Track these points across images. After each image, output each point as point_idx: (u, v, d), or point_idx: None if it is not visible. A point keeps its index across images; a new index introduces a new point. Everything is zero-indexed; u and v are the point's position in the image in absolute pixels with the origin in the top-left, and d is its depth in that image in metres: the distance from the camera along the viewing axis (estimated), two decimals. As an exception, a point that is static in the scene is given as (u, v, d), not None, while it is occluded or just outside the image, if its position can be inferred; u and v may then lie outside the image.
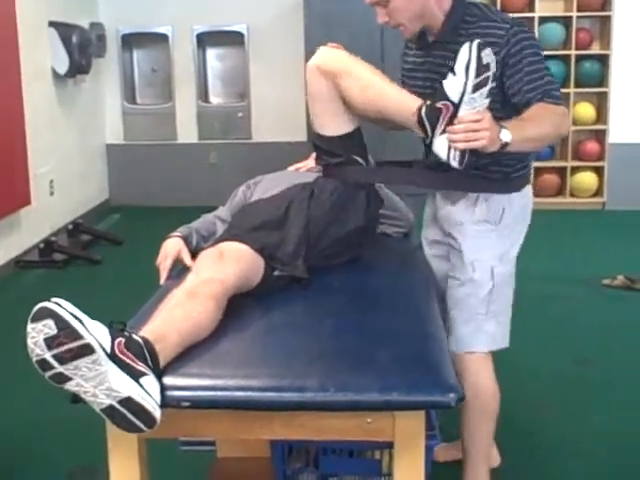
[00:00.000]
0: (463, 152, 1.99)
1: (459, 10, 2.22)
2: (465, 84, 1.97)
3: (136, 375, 1.57)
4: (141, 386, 1.56)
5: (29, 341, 1.53)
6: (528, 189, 2.41)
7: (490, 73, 1.99)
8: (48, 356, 1.52)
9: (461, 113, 1.98)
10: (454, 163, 2.01)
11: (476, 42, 1.98)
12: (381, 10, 2.23)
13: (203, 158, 7.45)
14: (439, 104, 2.01)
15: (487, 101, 2.00)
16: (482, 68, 1.97)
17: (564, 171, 7.08)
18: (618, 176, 6.93)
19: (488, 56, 1.98)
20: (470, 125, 1.93)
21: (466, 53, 1.97)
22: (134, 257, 5.49)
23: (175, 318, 1.74)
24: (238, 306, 1.94)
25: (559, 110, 2.12)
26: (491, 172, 2.28)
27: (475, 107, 1.98)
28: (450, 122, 1.99)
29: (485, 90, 1.99)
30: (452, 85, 1.99)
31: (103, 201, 7.42)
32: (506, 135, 1.96)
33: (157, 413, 1.56)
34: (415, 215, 2.79)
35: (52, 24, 6.09)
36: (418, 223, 2.80)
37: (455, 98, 1.99)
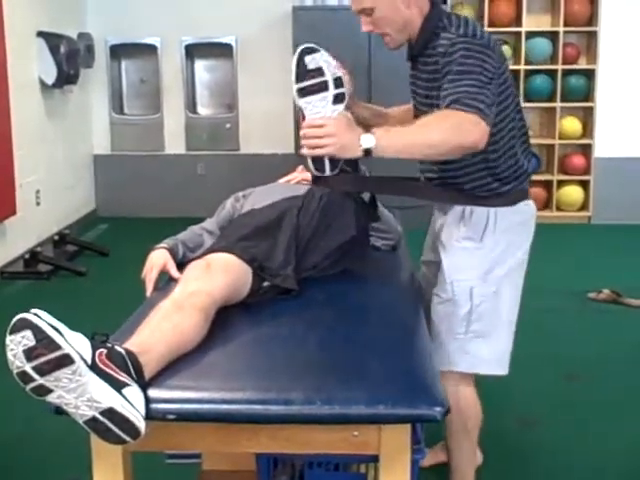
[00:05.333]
0: (319, 159, 1.93)
1: (432, 22, 2.17)
2: (294, 89, 1.93)
3: (118, 386, 1.55)
4: (124, 397, 1.54)
5: (9, 353, 1.52)
6: (523, 206, 2.34)
7: (326, 78, 1.93)
8: (28, 368, 1.51)
9: (307, 118, 1.93)
10: (312, 169, 1.96)
11: (301, 47, 1.95)
12: (365, 19, 2.19)
13: (191, 169, 7.44)
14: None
15: (339, 107, 1.93)
16: (309, 72, 1.92)
17: (550, 185, 7.12)
18: (604, 190, 6.98)
19: (316, 60, 1.92)
20: (309, 131, 1.88)
21: (294, 58, 1.94)
22: (120, 268, 5.46)
23: (161, 330, 1.73)
24: (225, 318, 1.94)
25: (462, 117, 1.92)
26: (470, 192, 2.24)
27: (319, 112, 1.92)
28: None
29: (328, 95, 1.92)
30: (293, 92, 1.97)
31: (90, 212, 7.39)
32: (368, 141, 1.86)
33: (141, 424, 1.55)
34: (403, 228, 2.79)
35: (40, 34, 6.08)
36: (406, 236, 2.81)
37: (297, 102, 1.95)
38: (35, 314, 1.53)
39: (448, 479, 2.53)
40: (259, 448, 1.80)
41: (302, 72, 1.91)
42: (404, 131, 1.94)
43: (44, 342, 1.50)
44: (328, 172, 1.97)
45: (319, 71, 1.92)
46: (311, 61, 1.92)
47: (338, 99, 1.94)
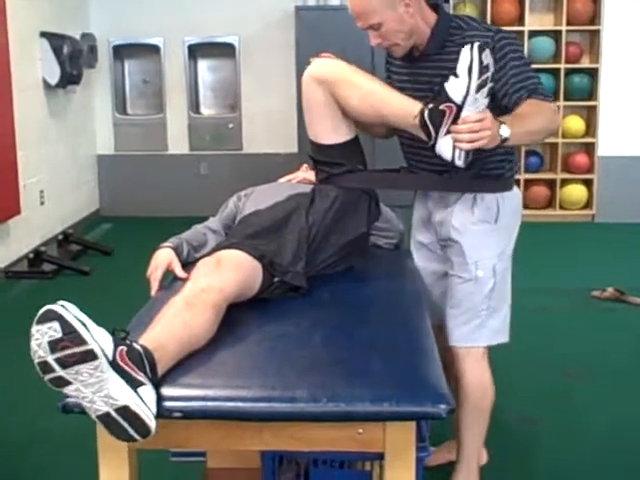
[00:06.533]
0: (467, 151, 2.05)
1: (444, 24, 2.29)
2: (468, 86, 2.01)
3: (135, 384, 1.56)
4: (139, 395, 1.56)
5: (33, 342, 1.52)
6: (517, 192, 2.50)
7: (489, 73, 2.04)
8: (50, 359, 1.51)
9: (464, 114, 2.02)
10: (459, 162, 2.08)
11: (477, 44, 2.02)
12: (374, 33, 2.28)
13: (194, 169, 7.45)
14: (442, 106, 2.05)
15: (487, 100, 2.05)
16: (484, 68, 2.02)
17: (554, 183, 7.12)
18: (607, 189, 6.97)
19: (487, 57, 2.03)
20: (474, 125, 1.98)
21: (468, 55, 2.00)
22: (124, 268, 5.48)
23: (173, 327, 1.74)
24: (231, 316, 1.94)
25: (549, 106, 2.20)
26: (484, 173, 2.35)
27: (477, 107, 2.03)
28: (453, 123, 2.03)
29: (485, 90, 2.04)
30: (455, 87, 2.03)
31: (93, 211, 7.41)
32: (505, 131, 2.02)
33: (152, 423, 1.56)
34: (405, 226, 2.80)
35: (43, 35, 6.09)
36: (408, 234, 2.81)
37: (458, 99, 2.02)
38: (63, 306, 1.53)
39: (453, 468, 2.57)
40: (264, 446, 1.80)
41: (481, 67, 2.01)
42: (522, 120, 2.10)
43: (71, 335, 1.51)
44: (466, 164, 2.10)
45: (488, 67, 2.03)
46: (485, 57, 2.02)
47: (488, 92, 2.05)
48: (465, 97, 2.02)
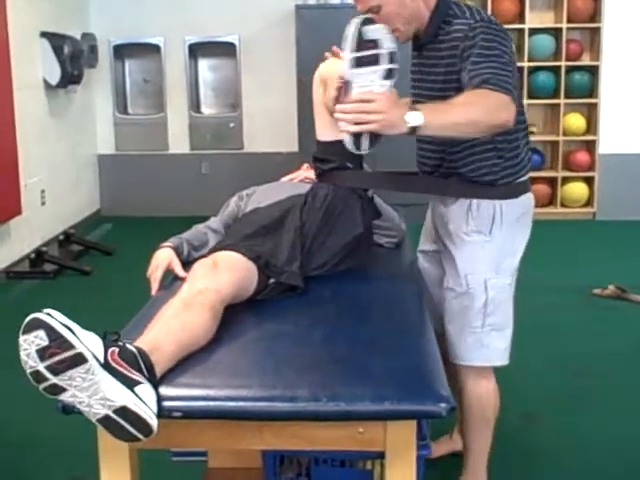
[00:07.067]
0: (357, 135, 1.87)
1: (442, 10, 2.20)
2: (348, 58, 1.88)
3: (131, 384, 1.56)
4: (136, 395, 1.55)
5: (22, 353, 1.52)
6: (525, 199, 2.35)
7: (382, 51, 1.89)
8: (41, 367, 1.51)
9: (354, 92, 1.85)
10: (349, 146, 1.89)
11: (360, 17, 1.92)
12: (374, 16, 2.21)
13: (195, 168, 7.45)
14: (338, 83, 1.94)
15: (388, 82, 1.89)
16: (365, 43, 1.89)
17: (554, 181, 7.11)
18: (608, 186, 6.97)
19: (375, 32, 1.89)
20: (358, 106, 1.80)
21: (349, 28, 1.91)
22: (125, 267, 5.48)
23: (171, 329, 1.74)
24: (231, 316, 1.94)
25: (496, 97, 1.94)
26: (474, 176, 2.26)
27: (368, 87, 1.86)
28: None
29: (379, 69, 1.88)
30: (343, 62, 1.92)
31: (94, 211, 7.41)
32: (415, 118, 1.80)
33: (153, 421, 1.56)
34: (406, 225, 2.80)
35: (44, 34, 6.09)
36: (410, 233, 2.81)
37: (343, 74, 1.90)
38: (47, 313, 1.53)
39: (462, 464, 2.57)
40: (264, 445, 1.80)
41: (359, 41, 1.87)
42: (448, 109, 1.91)
43: (57, 341, 1.50)
44: (366, 149, 1.91)
45: (376, 43, 1.88)
46: (370, 31, 1.88)
47: (389, 74, 1.89)
48: (346, 71, 1.86)
